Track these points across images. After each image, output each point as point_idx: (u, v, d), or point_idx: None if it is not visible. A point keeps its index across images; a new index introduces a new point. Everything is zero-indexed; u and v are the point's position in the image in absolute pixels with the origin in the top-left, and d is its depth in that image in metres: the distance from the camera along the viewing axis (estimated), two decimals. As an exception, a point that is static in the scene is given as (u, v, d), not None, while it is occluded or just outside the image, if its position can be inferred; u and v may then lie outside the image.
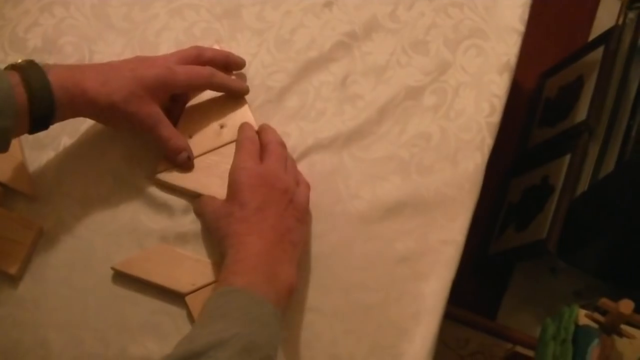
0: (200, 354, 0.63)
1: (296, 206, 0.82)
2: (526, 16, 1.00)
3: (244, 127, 0.89)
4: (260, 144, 0.87)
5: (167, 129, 0.85)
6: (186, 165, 0.88)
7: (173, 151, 0.86)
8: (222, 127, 0.91)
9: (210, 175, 0.88)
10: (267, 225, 0.78)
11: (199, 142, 0.90)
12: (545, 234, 1.50)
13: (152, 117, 0.83)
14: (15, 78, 0.73)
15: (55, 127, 0.89)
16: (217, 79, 0.89)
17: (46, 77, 0.75)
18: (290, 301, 0.79)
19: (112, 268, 0.85)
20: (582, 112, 1.61)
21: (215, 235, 0.82)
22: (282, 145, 0.88)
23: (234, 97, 0.93)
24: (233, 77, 0.94)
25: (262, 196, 0.80)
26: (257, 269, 0.75)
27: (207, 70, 0.88)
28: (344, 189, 0.90)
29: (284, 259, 0.78)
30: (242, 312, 0.70)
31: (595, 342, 1.11)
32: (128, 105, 0.81)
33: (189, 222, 0.88)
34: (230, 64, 0.93)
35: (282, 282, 0.76)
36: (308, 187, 0.87)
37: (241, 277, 0.74)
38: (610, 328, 1.14)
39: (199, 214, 0.87)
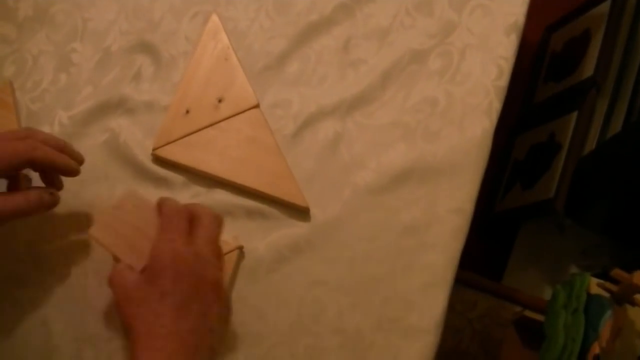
0: None
1: (224, 303, 0.73)
2: (534, -27, 0.97)
3: (167, 199, 0.75)
4: (192, 216, 0.74)
5: (5, 204, 0.73)
6: (53, 201, 0.78)
7: (32, 209, 0.76)
8: (220, 101, 0.88)
9: (209, 151, 0.86)
10: (189, 326, 0.67)
11: (196, 116, 0.88)
12: (553, 193, 1.48)
13: None
14: None
15: (50, 101, 0.88)
16: (38, 153, 0.74)
17: None
18: None
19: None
20: (589, 68, 1.58)
21: (123, 320, 0.70)
22: (219, 220, 0.76)
23: (230, 70, 0.91)
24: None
25: (188, 288, 0.68)
26: None
27: (25, 144, 0.74)
28: (348, 157, 0.88)
29: None
30: None
31: (608, 313, 1.10)
32: None
33: (189, 197, 0.86)
34: (64, 153, 0.79)
35: None
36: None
37: None
38: (623, 298, 1.13)
39: (110, 285, 0.73)
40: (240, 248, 0.83)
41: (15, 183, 0.79)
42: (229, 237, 0.84)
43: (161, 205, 0.74)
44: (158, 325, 0.66)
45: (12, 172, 0.77)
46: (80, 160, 0.80)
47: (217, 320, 0.70)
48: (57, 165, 0.77)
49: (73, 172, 0.78)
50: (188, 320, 0.67)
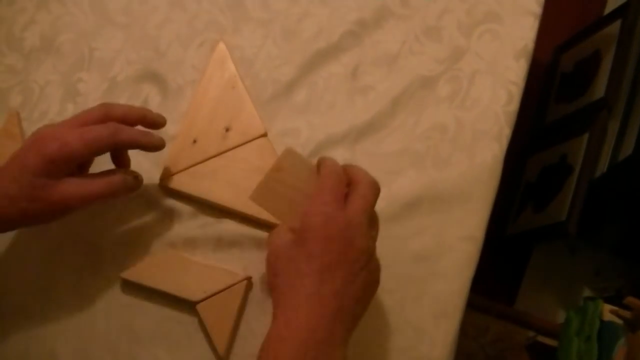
0: None
1: (371, 270, 0.70)
2: (543, -3, 0.96)
3: (326, 160, 0.74)
4: (349, 181, 0.73)
5: (89, 187, 0.74)
6: (137, 184, 0.79)
7: (114, 193, 0.76)
8: (227, 130, 0.87)
9: (216, 181, 0.85)
10: (332, 289, 0.66)
11: (204, 146, 0.87)
12: (565, 216, 1.47)
13: (68, 196, 0.72)
14: None
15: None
16: (122, 136, 0.74)
17: None
18: None
19: (120, 277, 0.83)
20: (600, 89, 1.57)
21: (269, 276, 0.71)
22: (377, 188, 0.73)
23: (237, 98, 0.90)
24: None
25: (336, 253, 0.67)
26: (306, 353, 0.64)
27: (108, 128, 0.73)
28: (357, 186, 0.87)
29: (337, 337, 0.66)
30: None
31: (622, 341, 1.09)
32: (36, 205, 0.71)
33: (197, 227, 0.85)
34: (146, 124, 0.79)
35: None
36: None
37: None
38: (636, 325, 1.11)
39: (267, 245, 0.74)
40: (249, 279, 0.83)
41: (86, 165, 0.81)
42: (237, 267, 0.83)
43: (320, 165, 0.74)
44: (300, 285, 0.66)
45: (94, 157, 0.79)
46: (162, 124, 0.80)
47: (362, 289, 0.68)
48: (142, 146, 0.77)
49: (158, 148, 0.78)
50: (332, 284, 0.66)
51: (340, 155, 0.87)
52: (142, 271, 0.83)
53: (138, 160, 0.88)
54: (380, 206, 0.84)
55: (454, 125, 0.89)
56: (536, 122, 1.88)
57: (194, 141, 0.87)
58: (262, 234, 0.85)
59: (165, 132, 0.89)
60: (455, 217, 0.86)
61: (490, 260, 1.79)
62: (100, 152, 0.74)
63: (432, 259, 0.84)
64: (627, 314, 1.12)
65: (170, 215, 0.86)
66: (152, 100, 0.91)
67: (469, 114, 0.90)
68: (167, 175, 0.86)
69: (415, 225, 0.86)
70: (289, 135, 0.89)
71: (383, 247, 0.83)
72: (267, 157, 0.86)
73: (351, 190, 0.71)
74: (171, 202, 0.86)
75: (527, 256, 1.81)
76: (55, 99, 0.91)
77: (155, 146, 0.78)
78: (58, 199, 0.71)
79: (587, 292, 1.67)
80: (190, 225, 0.86)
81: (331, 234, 0.67)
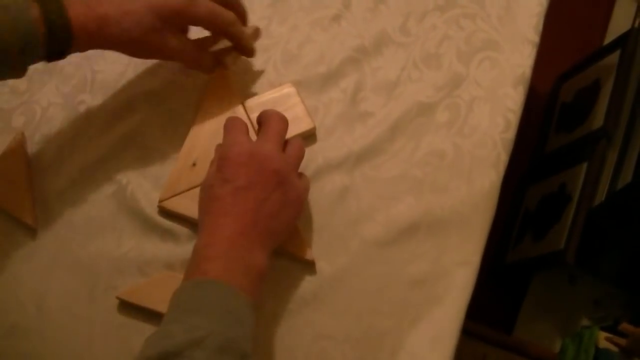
0: (176, 354, 0.60)
1: (286, 190, 0.76)
2: (541, 26, 0.97)
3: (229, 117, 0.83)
4: (260, 120, 0.83)
5: (189, 54, 0.86)
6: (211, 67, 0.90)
7: (206, 69, 0.90)
8: (227, 153, 0.88)
9: (216, 203, 0.86)
10: (246, 208, 0.73)
11: (203, 169, 0.86)
12: (563, 244, 1.47)
13: (172, 48, 0.83)
14: (35, 12, 0.72)
15: (58, 153, 0.88)
16: (235, 29, 0.85)
17: (66, 15, 0.74)
18: (261, 289, 0.73)
19: (117, 297, 0.83)
20: (599, 118, 1.58)
21: (199, 212, 0.78)
22: (284, 121, 0.82)
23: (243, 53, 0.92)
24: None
25: (248, 175, 0.74)
26: (229, 256, 0.70)
27: (230, 16, 0.84)
28: (355, 210, 0.87)
29: (256, 244, 0.72)
30: (218, 306, 0.66)
31: (617, 367, 1.09)
32: (147, 40, 0.80)
33: (195, 249, 0.85)
34: (244, 20, 0.90)
35: (253, 268, 0.71)
36: (307, 180, 0.84)
37: (213, 263, 0.69)
38: (632, 351, 1.11)
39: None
40: (246, 301, 0.83)
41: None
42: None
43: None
44: (218, 208, 0.73)
45: (206, 29, 0.88)
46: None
47: (277, 207, 0.75)
48: (242, 47, 0.89)
49: (249, 55, 0.91)
50: (247, 202, 0.73)
51: (338, 180, 0.88)
52: (139, 292, 0.83)
53: (139, 181, 0.88)
54: (378, 230, 0.85)
55: (452, 152, 0.90)
56: (537, 151, 1.88)
57: (194, 164, 0.87)
58: (259, 256, 0.85)
59: (165, 155, 0.90)
60: (452, 243, 0.86)
61: (488, 288, 1.79)
62: (213, 29, 0.87)
63: (428, 283, 0.84)
64: (622, 341, 1.12)
65: (168, 237, 0.86)
66: (153, 122, 0.92)
67: (467, 141, 0.91)
68: (166, 197, 0.86)
69: (413, 250, 0.86)
70: (287, 159, 0.90)
71: (380, 271, 0.84)
72: (266, 180, 0.87)
73: (262, 125, 0.82)
74: (169, 224, 0.87)
75: (526, 284, 1.80)
76: (58, 120, 0.92)
77: (251, 52, 0.90)
78: (163, 50, 0.83)
79: (585, 322, 1.67)
80: (188, 247, 0.85)
81: (242, 159, 0.75)
